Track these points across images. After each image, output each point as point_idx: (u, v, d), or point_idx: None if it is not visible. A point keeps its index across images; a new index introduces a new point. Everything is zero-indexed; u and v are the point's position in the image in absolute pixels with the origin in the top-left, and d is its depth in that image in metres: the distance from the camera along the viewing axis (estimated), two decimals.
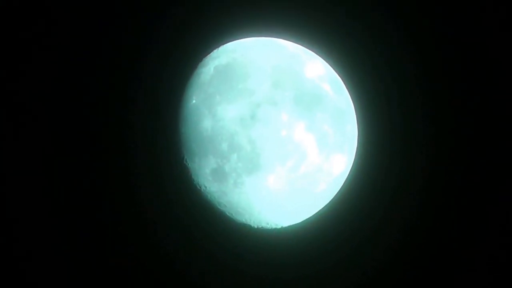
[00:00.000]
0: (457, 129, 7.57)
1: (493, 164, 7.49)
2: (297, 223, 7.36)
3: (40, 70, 7.13)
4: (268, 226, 7.32)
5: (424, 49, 7.58)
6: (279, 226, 7.33)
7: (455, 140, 7.57)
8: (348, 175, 7.36)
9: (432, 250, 7.67)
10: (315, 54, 7.41)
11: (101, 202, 7.28)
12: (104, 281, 7.32)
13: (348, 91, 7.35)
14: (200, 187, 7.23)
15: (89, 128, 7.26)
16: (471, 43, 7.53)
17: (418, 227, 7.65)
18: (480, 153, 7.55)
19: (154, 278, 7.41)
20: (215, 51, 7.44)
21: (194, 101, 7.27)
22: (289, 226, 7.35)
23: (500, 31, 7.45)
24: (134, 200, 7.29)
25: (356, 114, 7.36)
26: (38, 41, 7.07)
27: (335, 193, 7.37)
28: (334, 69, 7.38)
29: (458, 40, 7.53)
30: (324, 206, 7.38)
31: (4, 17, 7.11)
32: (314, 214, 7.37)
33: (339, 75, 7.38)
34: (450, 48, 7.57)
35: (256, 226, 7.32)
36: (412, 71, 7.58)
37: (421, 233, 7.67)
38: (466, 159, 7.58)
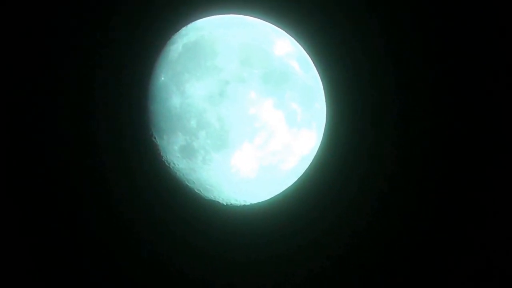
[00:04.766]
0: (429, 106, 7.60)
1: (466, 139, 7.53)
2: (266, 200, 7.39)
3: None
4: (237, 203, 7.34)
5: (394, 26, 7.60)
6: (247, 203, 7.35)
7: (426, 116, 7.60)
8: (317, 152, 7.39)
9: (404, 225, 7.71)
10: (283, 32, 7.42)
11: (67, 180, 7.25)
12: (68, 258, 7.30)
13: (316, 68, 7.37)
14: (169, 164, 7.22)
15: (58, 104, 7.22)
16: (442, 20, 7.55)
17: (388, 202, 7.69)
18: (452, 129, 7.58)
19: (121, 256, 7.39)
20: (183, 28, 7.42)
21: (162, 79, 7.26)
22: (258, 203, 7.38)
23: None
24: (101, 177, 7.27)
25: (324, 92, 7.39)
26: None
27: (304, 170, 7.40)
28: (302, 46, 7.40)
29: (430, 16, 7.55)
30: (293, 183, 7.41)
31: None
32: (283, 191, 7.40)
33: (307, 53, 7.40)
34: (421, 25, 7.59)
35: (224, 203, 7.33)
36: (381, 48, 7.61)
37: (392, 208, 7.71)
38: (437, 135, 7.61)
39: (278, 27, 7.39)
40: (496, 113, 7.58)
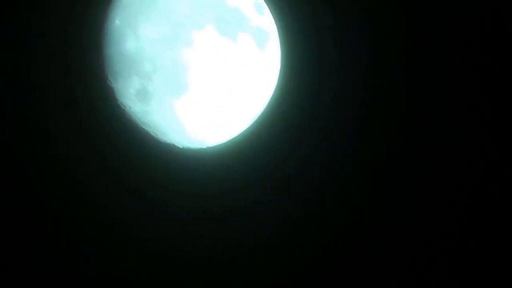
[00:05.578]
0: (392, 52, 7.50)
1: (428, 77, 7.44)
2: (223, 143, 7.43)
3: None
4: (193, 146, 7.39)
5: None
6: (204, 146, 7.40)
7: (388, 60, 7.49)
8: (272, 94, 7.42)
9: (368, 171, 7.65)
10: None
11: (17, 127, 7.22)
12: (15, 205, 7.28)
13: (271, 11, 7.36)
14: (124, 107, 7.24)
15: (10, 49, 7.16)
16: None
17: (349, 145, 7.60)
18: (420, 71, 7.48)
19: (72, 204, 7.36)
20: None
21: (117, 22, 7.25)
22: (214, 146, 7.43)
23: None
24: (56, 122, 7.25)
25: (279, 35, 7.39)
26: None
27: (260, 112, 7.44)
28: None
29: None
30: (249, 126, 7.45)
31: None
32: (239, 134, 7.44)
33: None
34: None
35: (181, 146, 7.37)
36: None
37: (355, 150, 7.61)
38: (399, 81, 7.52)
39: None
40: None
